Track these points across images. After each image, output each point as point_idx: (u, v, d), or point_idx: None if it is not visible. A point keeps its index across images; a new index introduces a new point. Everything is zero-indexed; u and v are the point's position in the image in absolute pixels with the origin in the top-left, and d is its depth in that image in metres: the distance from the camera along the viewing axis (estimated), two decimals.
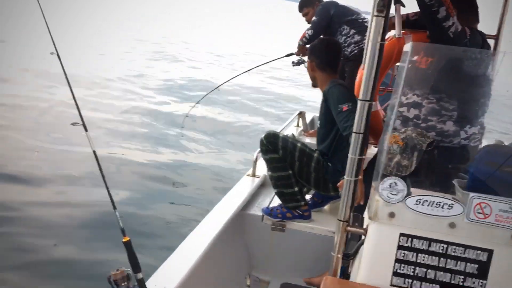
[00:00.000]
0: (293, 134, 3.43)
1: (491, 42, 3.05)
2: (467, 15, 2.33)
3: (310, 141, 4.64)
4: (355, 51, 4.45)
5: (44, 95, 8.81)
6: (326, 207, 3.22)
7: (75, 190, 5.18)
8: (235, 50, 19.79)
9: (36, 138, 6.51)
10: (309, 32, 4.51)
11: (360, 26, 4.46)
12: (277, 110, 10.56)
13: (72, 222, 4.55)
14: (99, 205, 4.56)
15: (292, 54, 4.85)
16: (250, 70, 5.23)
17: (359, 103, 1.54)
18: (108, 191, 2.10)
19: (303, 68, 4.25)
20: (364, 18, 4.59)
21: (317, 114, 5.20)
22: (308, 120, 5.17)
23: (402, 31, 2.65)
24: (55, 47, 2.60)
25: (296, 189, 2.91)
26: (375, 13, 1.46)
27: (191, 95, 10.50)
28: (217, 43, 21.57)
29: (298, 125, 5.01)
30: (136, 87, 10.97)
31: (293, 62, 4.79)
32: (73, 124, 2.24)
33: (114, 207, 2.06)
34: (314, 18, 4.51)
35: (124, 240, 1.91)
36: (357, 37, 4.44)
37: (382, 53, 1.51)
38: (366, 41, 4.08)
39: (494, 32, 3.18)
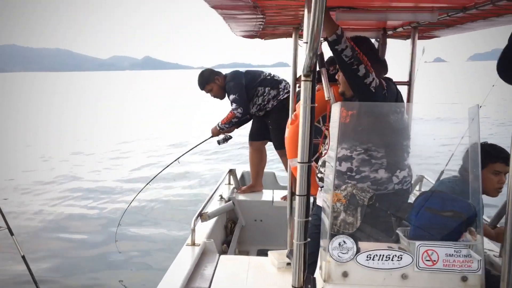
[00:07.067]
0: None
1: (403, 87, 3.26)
2: (378, 68, 2.49)
3: (244, 197, 4.54)
4: (275, 104, 4.55)
5: None
6: None
7: None
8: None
9: None
10: (235, 107, 4.44)
11: (272, 82, 4.60)
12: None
13: None
14: None
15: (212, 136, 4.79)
16: (179, 158, 5.14)
17: (298, 165, 1.54)
18: None
19: None
20: (270, 74, 4.73)
21: (247, 169, 5.13)
22: (238, 176, 5.07)
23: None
24: None
25: None
26: (303, 78, 1.50)
27: None
28: None
29: (229, 183, 4.89)
30: None
31: (218, 142, 4.74)
32: None
33: None
34: (233, 95, 4.48)
35: None
36: (273, 92, 4.55)
37: (314, 115, 1.54)
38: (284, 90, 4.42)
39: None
